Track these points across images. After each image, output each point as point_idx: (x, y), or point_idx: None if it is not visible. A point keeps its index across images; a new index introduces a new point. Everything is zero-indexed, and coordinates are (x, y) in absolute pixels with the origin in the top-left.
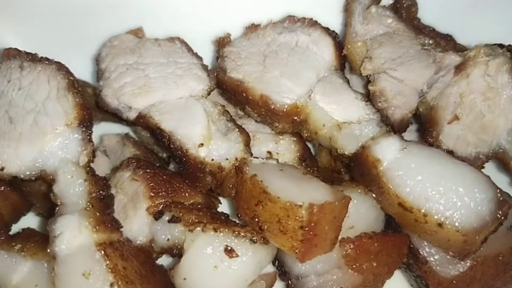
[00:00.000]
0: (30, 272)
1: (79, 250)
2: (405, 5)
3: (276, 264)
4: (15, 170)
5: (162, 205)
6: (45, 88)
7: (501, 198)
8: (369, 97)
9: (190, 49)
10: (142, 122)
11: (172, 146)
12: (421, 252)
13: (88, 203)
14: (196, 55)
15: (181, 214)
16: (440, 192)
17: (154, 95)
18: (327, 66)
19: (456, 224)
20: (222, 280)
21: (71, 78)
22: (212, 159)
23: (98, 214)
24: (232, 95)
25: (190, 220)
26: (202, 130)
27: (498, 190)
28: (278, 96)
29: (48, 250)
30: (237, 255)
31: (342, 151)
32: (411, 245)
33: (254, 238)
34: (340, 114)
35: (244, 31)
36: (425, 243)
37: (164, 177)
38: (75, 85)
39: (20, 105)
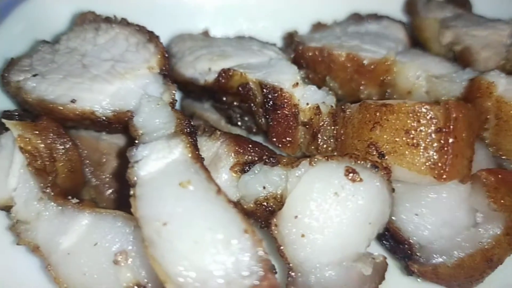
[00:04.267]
0: (90, 226)
1: (170, 167)
2: (459, 1)
3: (387, 237)
4: (88, 104)
5: (249, 160)
6: (123, 44)
7: None
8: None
9: (260, 40)
10: (222, 81)
11: (264, 90)
12: None
13: (177, 129)
14: (267, 42)
15: (277, 158)
16: None
17: (233, 59)
18: (402, 43)
19: None
20: (343, 213)
21: (153, 33)
22: (307, 103)
23: (189, 140)
24: (312, 68)
25: (290, 159)
26: (294, 76)
27: None
28: (366, 53)
29: (127, 176)
30: (361, 180)
31: (446, 97)
32: None
33: (376, 164)
34: (433, 70)
35: (311, 28)
36: None
37: (245, 138)
38: (158, 38)
39: (95, 55)
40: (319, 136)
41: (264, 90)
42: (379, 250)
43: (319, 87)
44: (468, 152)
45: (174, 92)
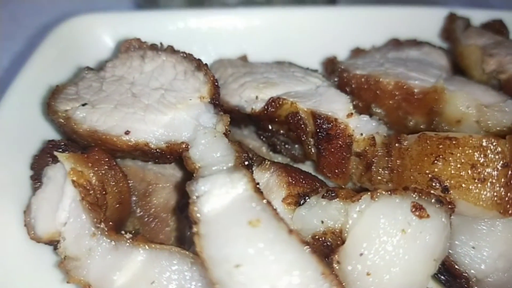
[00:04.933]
0: (146, 263)
1: (235, 204)
2: (496, 28)
3: (442, 270)
4: (143, 136)
5: (302, 192)
6: (171, 72)
7: None
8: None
9: (299, 65)
10: (270, 110)
11: (318, 120)
12: None
13: (237, 161)
14: (309, 68)
15: (336, 191)
16: None
17: (279, 87)
18: (446, 70)
19: None
20: (410, 250)
21: (201, 61)
22: (362, 134)
23: (251, 174)
24: (357, 94)
25: (348, 193)
26: (346, 105)
27: None
28: (414, 81)
29: (190, 213)
30: (428, 216)
31: (499, 127)
32: None
33: (440, 199)
34: (481, 99)
35: (351, 54)
36: None
37: (295, 168)
38: (205, 66)
39: (144, 84)
40: (373, 167)
41: (318, 120)
42: (432, 284)
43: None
44: None
45: (228, 122)
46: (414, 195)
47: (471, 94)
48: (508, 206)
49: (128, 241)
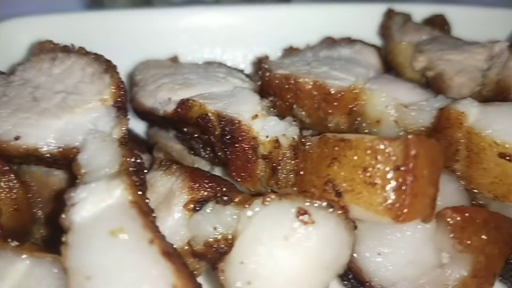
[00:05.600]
0: (27, 272)
1: (105, 212)
2: (438, 23)
3: (350, 277)
4: (33, 141)
5: (203, 197)
6: (78, 74)
7: None
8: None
9: (229, 66)
10: (181, 112)
11: (222, 122)
12: None
13: (121, 168)
14: (237, 69)
15: (230, 196)
16: None
17: (195, 88)
18: (374, 68)
19: None
20: (294, 258)
21: (110, 63)
22: (267, 136)
23: (132, 181)
24: (279, 96)
25: (244, 198)
26: (254, 107)
27: None
28: (333, 81)
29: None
30: (313, 222)
31: (414, 127)
32: None
33: (331, 204)
34: (403, 98)
35: (283, 53)
36: None
37: (203, 172)
38: (114, 69)
39: (48, 87)
40: (279, 170)
41: (222, 122)
42: None
43: (286, 116)
44: (430, 190)
45: (125, 126)
46: (305, 200)
47: (392, 93)
48: (399, 212)
49: (13, 249)
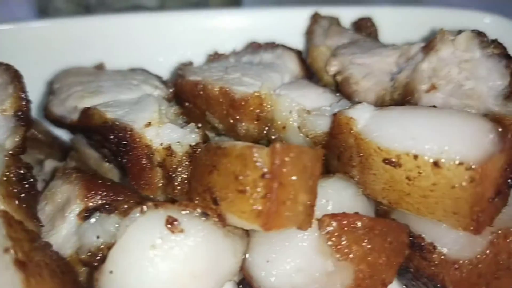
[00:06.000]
0: None
1: None
2: (365, 26)
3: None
4: None
5: (95, 206)
6: None
7: (499, 129)
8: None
9: (150, 73)
10: (83, 120)
11: (116, 132)
12: (425, 238)
13: (2, 178)
14: (156, 76)
15: (115, 205)
16: (428, 129)
17: (104, 96)
18: (291, 73)
19: (456, 156)
20: (161, 267)
21: (17, 73)
22: (161, 144)
23: (11, 189)
24: (192, 102)
25: (126, 206)
26: (151, 114)
27: (494, 124)
28: (239, 87)
29: None
30: (181, 230)
31: (313, 132)
32: (412, 237)
33: (206, 212)
34: (308, 103)
35: (207, 58)
36: (428, 227)
37: (102, 180)
38: (19, 79)
39: None
40: (174, 178)
41: (116, 130)
42: None
43: (200, 123)
44: (303, 197)
45: (20, 136)
46: (180, 208)
47: (298, 98)
48: (266, 219)
49: None
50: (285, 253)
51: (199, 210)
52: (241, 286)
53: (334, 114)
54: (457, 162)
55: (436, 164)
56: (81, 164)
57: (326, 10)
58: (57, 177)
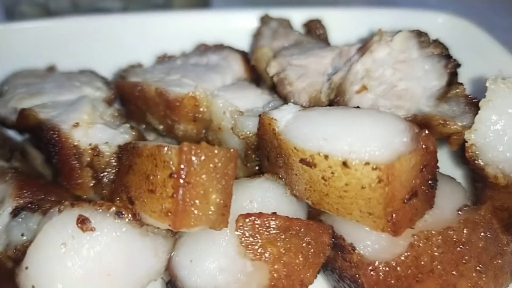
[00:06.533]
0: None
1: None
2: (314, 28)
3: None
4: None
5: (24, 204)
6: None
7: (416, 130)
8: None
9: (97, 75)
10: (20, 120)
11: (45, 132)
12: (346, 239)
13: None
14: (102, 77)
15: (38, 203)
16: (340, 129)
17: (42, 97)
18: (234, 74)
19: (364, 156)
20: (70, 265)
21: None
22: (90, 144)
23: None
24: (133, 104)
25: (49, 205)
26: (82, 115)
27: (410, 124)
28: (174, 88)
29: None
30: (92, 229)
31: (244, 133)
32: (334, 238)
33: (121, 211)
34: (244, 105)
35: (156, 60)
36: (351, 228)
37: (38, 180)
38: None
39: None
40: (102, 178)
41: (44, 131)
42: None
43: (141, 124)
44: (214, 197)
45: None
46: (95, 207)
47: (234, 100)
48: (174, 218)
49: None
50: (208, 253)
51: (113, 209)
52: (169, 285)
53: (260, 115)
54: (363, 162)
55: (345, 164)
56: (27, 165)
57: (277, 12)
58: None
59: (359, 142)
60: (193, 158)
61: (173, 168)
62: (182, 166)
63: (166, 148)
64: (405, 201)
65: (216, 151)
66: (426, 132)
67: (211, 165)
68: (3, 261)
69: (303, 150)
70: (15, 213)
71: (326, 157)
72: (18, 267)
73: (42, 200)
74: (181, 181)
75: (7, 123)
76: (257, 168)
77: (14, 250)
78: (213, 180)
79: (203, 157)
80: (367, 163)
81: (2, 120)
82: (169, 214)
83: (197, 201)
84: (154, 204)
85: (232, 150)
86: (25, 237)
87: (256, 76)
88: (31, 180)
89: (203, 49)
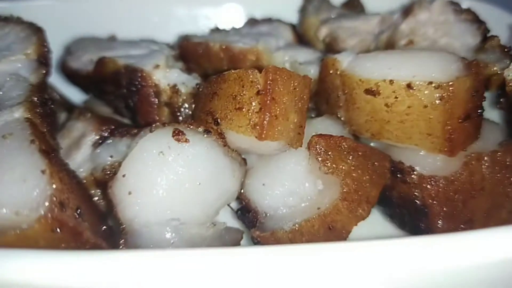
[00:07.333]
0: None
1: (5, 123)
2: (352, 5)
3: (240, 207)
4: None
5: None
6: (12, 37)
7: (466, 62)
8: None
9: (159, 43)
10: (98, 69)
11: (127, 74)
12: (404, 162)
13: (27, 99)
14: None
15: (126, 129)
16: (401, 60)
17: (115, 51)
18: (285, 40)
19: (426, 78)
20: (169, 172)
21: (40, 28)
22: (168, 84)
23: (35, 108)
24: (195, 62)
25: (136, 130)
26: (159, 61)
27: (460, 56)
28: (237, 44)
29: None
30: (187, 140)
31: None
32: (393, 165)
33: (208, 129)
34: (301, 58)
35: (209, 31)
36: (407, 155)
37: (114, 119)
38: (42, 33)
39: None
40: (178, 115)
41: (127, 72)
42: None
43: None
44: (293, 116)
45: (43, 72)
46: (185, 126)
47: (290, 53)
48: (261, 130)
49: None
50: (279, 177)
51: (201, 128)
52: (239, 212)
53: (322, 60)
54: (427, 82)
55: (409, 86)
56: None
57: None
58: (72, 118)
59: (420, 68)
60: (278, 78)
61: (260, 86)
62: (268, 84)
63: (251, 70)
64: (461, 121)
65: (296, 75)
66: (476, 60)
67: (291, 87)
68: (86, 186)
69: (368, 80)
70: (99, 142)
71: (391, 82)
72: (112, 181)
73: (127, 128)
74: (268, 96)
75: (80, 74)
76: (312, 116)
77: (103, 170)
78: (292, 100)
79: (285, 78)
80: (430, 83)
81: (74, 72)
82: (256, 126)
83: (280, 117)
84: (241, 120)
85: (306, 77)
86: (114, 158)
87: (303, 44)
88: (109, 118)
89: (252, 22)
